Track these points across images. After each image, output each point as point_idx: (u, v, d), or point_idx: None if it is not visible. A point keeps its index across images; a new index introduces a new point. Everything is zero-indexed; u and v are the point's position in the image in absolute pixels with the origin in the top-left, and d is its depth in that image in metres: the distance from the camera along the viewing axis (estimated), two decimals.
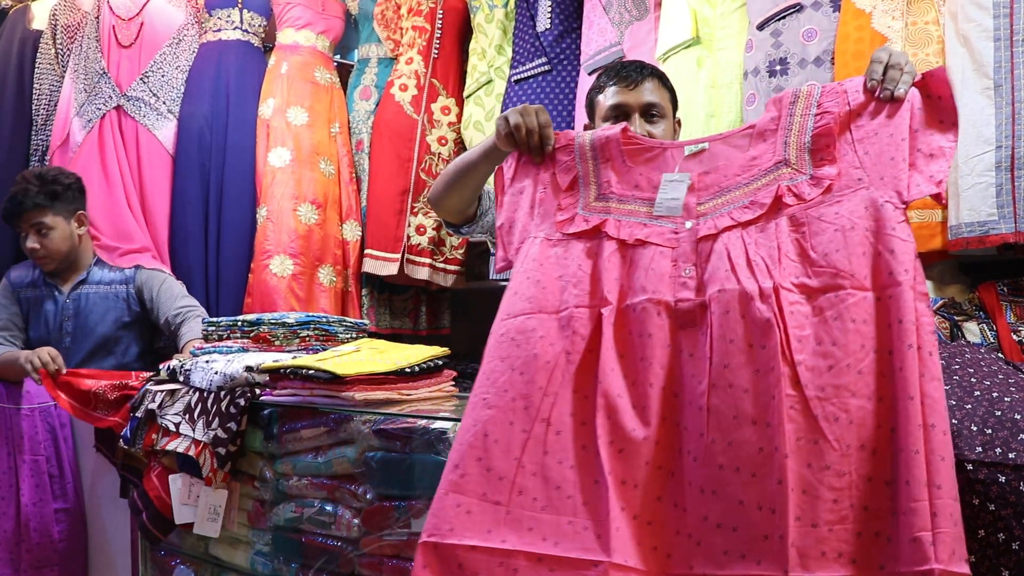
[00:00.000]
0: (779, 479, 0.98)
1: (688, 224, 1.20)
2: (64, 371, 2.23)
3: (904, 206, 1.11)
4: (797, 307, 1.07)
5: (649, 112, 1.74)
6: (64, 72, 3.25)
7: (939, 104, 1.17)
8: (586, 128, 1.83)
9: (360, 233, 3.17)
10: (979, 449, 1.13)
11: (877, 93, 1.19)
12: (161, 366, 2.10)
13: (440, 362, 1.83)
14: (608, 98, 1.76)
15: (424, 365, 1.77)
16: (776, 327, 1.05)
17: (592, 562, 1.02)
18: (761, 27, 2.30)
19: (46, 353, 2.24)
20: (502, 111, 2.94)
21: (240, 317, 2.12)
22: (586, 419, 1.11)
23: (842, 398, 1.01)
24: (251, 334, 2.07)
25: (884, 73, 1.19)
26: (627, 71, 1.78)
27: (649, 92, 1.74)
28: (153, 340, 2.74)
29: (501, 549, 1.04)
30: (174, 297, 2.65)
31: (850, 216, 1.11)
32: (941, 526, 0.93)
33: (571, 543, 1.04)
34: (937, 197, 1.13)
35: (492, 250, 2.93)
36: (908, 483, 0.95)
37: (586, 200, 1.29)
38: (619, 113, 1.73)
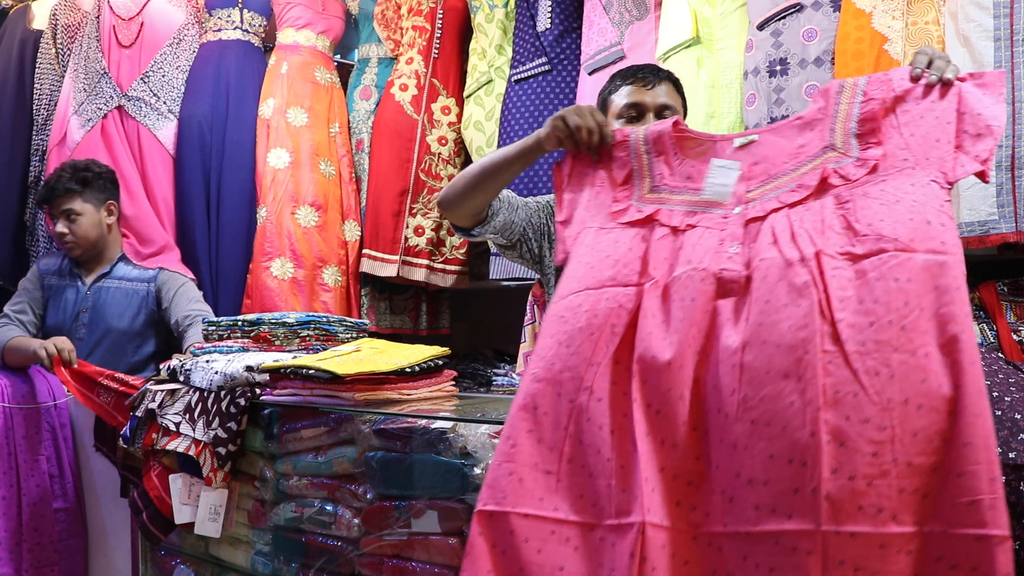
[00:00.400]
0: (811, 432, 0.96)
1: (737, 210, 1.23)
2: (75, 364, 2.25)
3: (949, 187, 1.13)
4: (840, 271, 1.07)
5: (663, 113, 1.78)
6: (64, 72, 3.25)
7: (987, 91, 1.19)
8: None
9: (359, 233, 3.17)
10: None
11: (923, 80, 1.21)
12: (161, 366, 2.10)
13: (440, 362, 1.83)
14: (624, 96, 1.80)
15: (424, 365, 1.77)
16: (814, 286, 1.05)
17: (629, 525, 1.02)
18: (761, 27, 2.30)
19: (61, 341, 2.28)
20: (502, 111, 2.95)
21: (240, 317, 2.12)
22: (627, 389, 1.12)
23: (884, 352, 0.99)
24: (251, 334, 2.07)
25: (929, 65, 1.22)
26: (644, 73, 1.83)
27: (664, 94, 1.81)
28: (169, 342, 2.75)
29: (553, 518, 1.06)
30: (188, 301, 2.67)
31: (895, 192, 1.12)
32: (998, 491, 0.92)
33: (612, 507, 1.05)
34: (981, 175, 1.14)
35: (494, 250, 2.93)
36: (969, 445, 0.93)
37: (640, 193, 1.33)
38: (635, 112, 1.78)
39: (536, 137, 1.54)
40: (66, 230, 2.61)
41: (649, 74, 1.83)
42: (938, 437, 0.95)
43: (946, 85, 1.19)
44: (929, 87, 1.20)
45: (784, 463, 0.97)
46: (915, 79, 1.22)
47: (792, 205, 1.18)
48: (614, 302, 1.18)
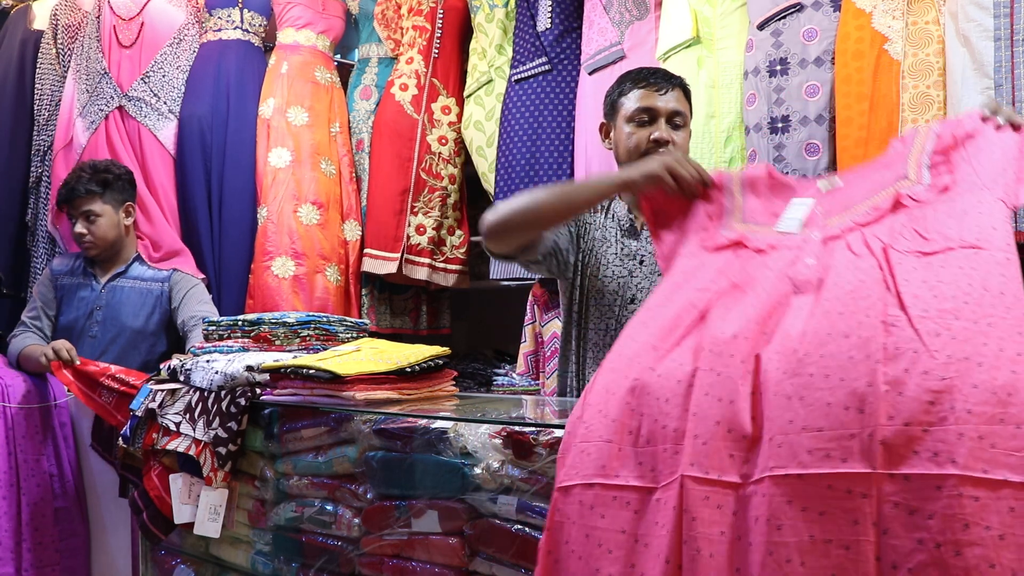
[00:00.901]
0: (869, 382, 0.98)
1: (816, 235, 1.31)
2: (77, 362, 2.27)
3: (1013, 210, 1.22)
4: (906, 260, 1.14)
5: (673, 120, 1.83)
6: (65, 72, 3.26)
7: None
8: (602, 126, 1.96)
9: (360, 233, 3.17)
10: None
11: (992, 122, 1.32)
12: (162, 365, 2.11)
13: (440, 362, 1.83)
14: (635, 100, 1.84)
15: (425, 365, 1.77)
16: (880, 269, 1.12)
17: (674, 481, 1.05)
18: (761, 27, 2.30)
19: (59, 343, 2.30)
20: (502, 111, 2.95)
21: (240, 317, 2.12)
22: (687, 363, 1.15)
23: (945, 319, 1.02)
24: (251, 334, 2.07)
25: (996, 113, 1.33)
26: (656, 78, 1.85)
27: (675, 100, 1.85)
28: (181, 341, 2.76)
29: (614, 484, 1.11)
30: (197, 303, 2.69)
31: (963, 205, 1.21)
32: None
33: (665, 468, 1.08)
34: None
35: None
36: None
37: (729, 225, 1.44)
38: (646, 116, 1.82)
39: (624, 179, 1.61)
40: (85, 231, 2.63)
41: (661, 79, 1.85)
42: (1002, 391, 0.94)
43: (1015, 128, 1.31)
44: (997, 127, 1.31)
45: (840, 410, 0.98)
46: (985, 119, 1.33)
47: (866, 224, 1.27)
48: (686, 301, 1.26)
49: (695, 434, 1.06)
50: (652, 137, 1.82)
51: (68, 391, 2.42)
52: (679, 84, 1.87)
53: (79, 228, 2.63)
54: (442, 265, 3.14)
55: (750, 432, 1.05)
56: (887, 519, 0.92)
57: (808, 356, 1.05)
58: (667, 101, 1.83)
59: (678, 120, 1.83)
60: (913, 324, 1.02)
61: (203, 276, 2.88)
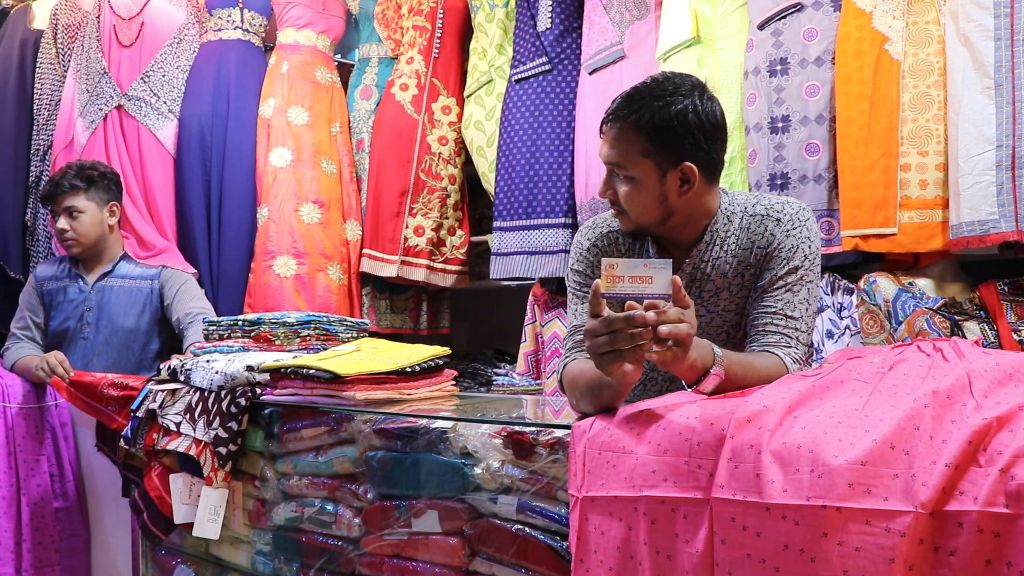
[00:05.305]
0: (916, 425, 1.01)
1: None
2: (71, 373, 2.28)
3: None
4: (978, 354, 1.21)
5: (615, 174, 1.44)
6: (65, 72, 3.26)
7: None
8: None
9: (360, 233, 3.17)
10: None
11: None
12: (162, 365, 2.11)
13: (440, 362, 1.83)
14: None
15: (425, 365, 1.77)
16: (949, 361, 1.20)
17: (703, 500, 1.07)
18: (762, 27, 2.30)
19: (53, 358, 2.31)
20: (503, 111, 2.95)
21: (241, 316, 2.12)
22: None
23: (999, 377, 1.10)
24: (252, 334, 2.07)
25: None
26: (611, 107, 1.44)
27: (612, 145, 1.42)
28: (175, 339, 2.76)
29: (635, 496, 1.13)
30: (190, 299, 2.69)
31: None
32: None
33: (687, 482, 1.10)
34: None
35: (494, 250, 2.93)
36: None
37: None
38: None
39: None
40: (67, 227, 2.62)
41: (612, 110, 1.43)
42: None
43: None
44: None
45: (886, 448, 1.00)
46: None
47: None
48: None
49: (728, 456, 1.07)
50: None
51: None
52: (625, 117, 1.39)
53: (61, 224, 2.62)
54: (440, 266, 3.14)
55: (782, 454, 1.05)
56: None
57: (861, 401, 1.13)
58: (605, 145, 1.42)
59: (619, 172, 1.42)
60: (969, 377, 1.11)
61: (194, 270, 2.87)
